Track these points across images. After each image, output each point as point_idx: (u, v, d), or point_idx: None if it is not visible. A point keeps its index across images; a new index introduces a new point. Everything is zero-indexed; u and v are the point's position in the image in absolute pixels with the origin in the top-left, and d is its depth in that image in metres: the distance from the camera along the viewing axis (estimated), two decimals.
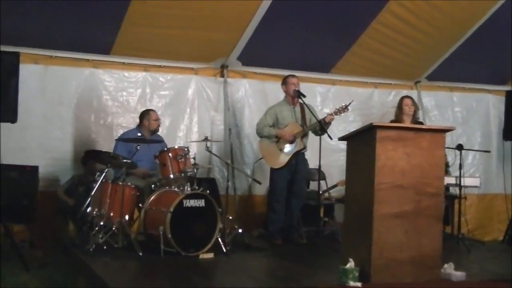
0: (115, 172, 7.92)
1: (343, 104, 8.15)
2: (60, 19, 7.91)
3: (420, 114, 9.48)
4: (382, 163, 6.03)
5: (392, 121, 8.64)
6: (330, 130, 8.02)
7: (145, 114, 8.34)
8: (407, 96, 8.97)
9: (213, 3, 8.06)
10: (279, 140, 8.31)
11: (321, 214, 9.06)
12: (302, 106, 8.38)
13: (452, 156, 8.87)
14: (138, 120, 8.43)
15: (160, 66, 9.08)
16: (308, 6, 8.40)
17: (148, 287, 5.99)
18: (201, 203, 7.29)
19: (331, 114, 8.11)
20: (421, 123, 8.86)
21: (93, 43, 8.50)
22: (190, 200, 7.22)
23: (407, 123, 8.38)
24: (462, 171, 8.72)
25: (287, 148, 8.28)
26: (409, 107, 8.67)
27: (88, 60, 8.69)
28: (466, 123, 10.53)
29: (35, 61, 8.41)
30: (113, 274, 6.18)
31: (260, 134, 8.44)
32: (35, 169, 8.06)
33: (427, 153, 6.22)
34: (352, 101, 8.29)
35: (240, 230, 7.82)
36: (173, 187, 7.57)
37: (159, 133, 8.46)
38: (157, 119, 8.37)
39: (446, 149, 7.40)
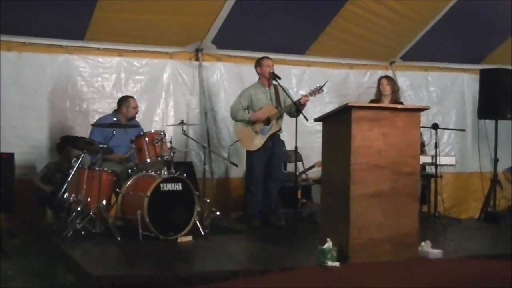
0: (92, 158, 7.86)
1: (318, 85, 8.15)
2: (33, 4, 7.81)
3: None
4: (358, 143, 6.07)
5: (372, 101, 8.71)
6: (306, 111, 8.02)
7: (124, 101, 8.24)
8: (384, 76, 9.04)
9: None
10: (254, 122, 8.30)
11: (299, 196, 9.11)
12: (276, 88, 8.37)
13: (427, 136, 8.92)
14: (114, 106, 8.36)
15: (134, 51, 9.01)
16: None
17: (128, 274, 5.92)
18: (178, 186, 7.29)
19: (306, 96, 8.11)
20: (401, 103, 8.85)
21: (67, 29, 8.40)
22: (167, 184, 7.23)
23: (386, 103, 8.44)
24: (437, 150, 8.81)
25: (263, 130, 8.27)
26: (384, 87, 8.74)
27: (62, 46, 8.60)
28: (441, 103, 10.56)
29: (8, 48, 8.31)
30: (93, 261, 6.15)
31: (234, 118, 8.43)
32: (10, 156, 7.96)
33: (403, 133, 6.26)
34: (327, 82, 8.29)
35: (218, 213, 7.86)
36: (150, 171, 7.56)
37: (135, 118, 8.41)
38: (136, 107, 8.29)
39: (422, 129, 7.46)
